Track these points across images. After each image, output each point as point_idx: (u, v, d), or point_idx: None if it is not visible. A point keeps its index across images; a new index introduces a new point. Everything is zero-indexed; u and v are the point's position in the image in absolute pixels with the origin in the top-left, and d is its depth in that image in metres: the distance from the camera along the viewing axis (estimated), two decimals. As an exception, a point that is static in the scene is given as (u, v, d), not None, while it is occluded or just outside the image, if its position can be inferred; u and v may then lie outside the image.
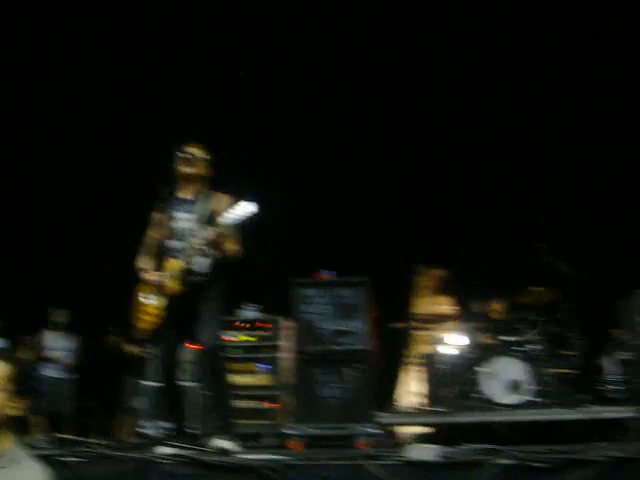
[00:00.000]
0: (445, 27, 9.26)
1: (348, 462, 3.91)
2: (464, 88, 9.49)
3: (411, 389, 7.47)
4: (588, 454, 3.78)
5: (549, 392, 6.61)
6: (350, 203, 9.85)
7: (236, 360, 7.03)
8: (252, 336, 7.29)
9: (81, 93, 9.86)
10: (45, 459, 2.72)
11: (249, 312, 7.60)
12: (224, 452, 4.25)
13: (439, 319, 7.99)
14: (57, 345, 9.18)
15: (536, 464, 3.76)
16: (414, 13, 9.22)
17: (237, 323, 7.33)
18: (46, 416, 8.72)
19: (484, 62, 9.33)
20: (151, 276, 4.72)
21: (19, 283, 10.11)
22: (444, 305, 8.23)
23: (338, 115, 9.77)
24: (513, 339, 7.01)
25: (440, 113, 9.60)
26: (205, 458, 3.99)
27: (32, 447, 3.75)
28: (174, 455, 4.09)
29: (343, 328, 6.67)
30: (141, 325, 4.81)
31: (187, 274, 4.61)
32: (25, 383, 2.61)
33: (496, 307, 7.73)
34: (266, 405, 7.01)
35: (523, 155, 9.31)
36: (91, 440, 7.02)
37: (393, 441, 6.76)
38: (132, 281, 4.93)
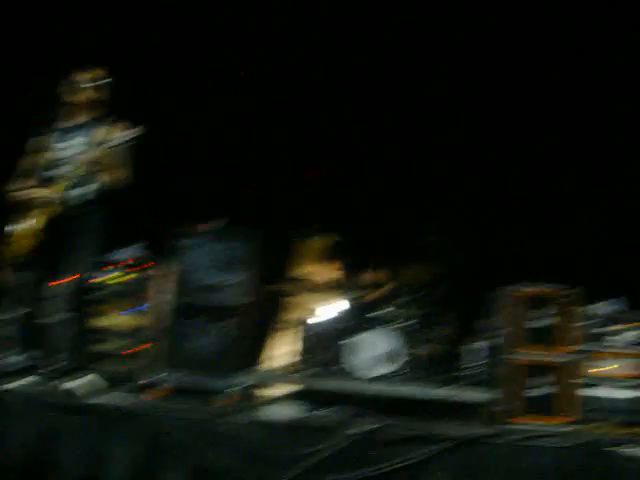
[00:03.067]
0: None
1: (206, 415, 3.86)
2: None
3: (282, 351, 7.48)
4: (439, 431, 3.87)
5: (415, 368, 6.76)
6: (251, 157, 9.62)
7: (105, 300, 6.79)
8: (126, 277, 7.03)
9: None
10: None
11: (127, 252, 7.34)
12: (73, 392, 4.11)
13: (320, 285, 8.01)
14: None
15: (389, 436, 3.81)
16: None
17: (113, 261, 7.06)
18: None
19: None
20: (24, 194, 4.47)
21: None
22: (327, 271, 8.25)
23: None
24: (388, 312, 7.11)
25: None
26: (53, 396, 3.86)
27: None
28: (20, 389, 3.93)
29: (222, 281, 6.58)
30: (8, 252, 4.58)
31: (64, 202, 4.39)
32: None
33: (377, 278, 7.81)
34: (131, 349, 6.82)
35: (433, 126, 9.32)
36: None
37: (254, 400, 6.76)
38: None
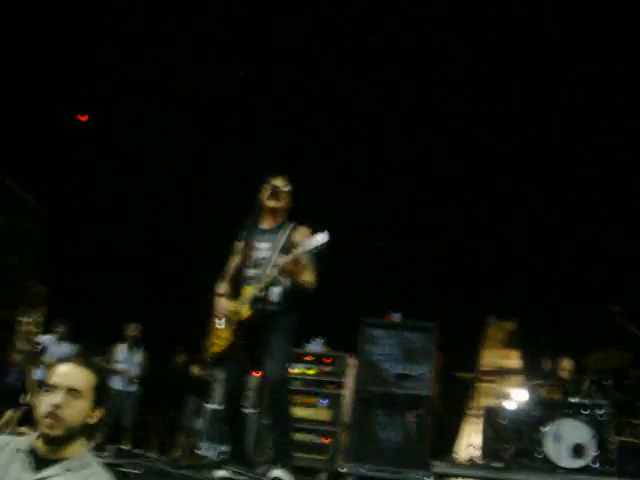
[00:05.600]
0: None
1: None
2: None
3: (471, 441, 7.39)
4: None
5: (612, 460, 6.45)
6: (425, 248, 9.83)
7: (298, 392, 7.08)
8: (317, 370, 7.31)
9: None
10: (107, 467, 2.82)
11: (316, 346, 7.65)
12: (281, 480, 4.29)
13: (505, 372, 7.90)
14: (126, 358, 9.42)
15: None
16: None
17: (304, 356, 7.37)
18: (111, 427, 8.95)
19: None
20: (220, 304, 4.85)
21: (104, 297, 10.50)
22: (512, 359, 8.15)
23: (415, 153, 9.77)
24: (580, 401, 6.87)
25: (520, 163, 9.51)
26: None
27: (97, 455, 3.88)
28: (228, 479, 4.16)
29: (407, 372, 6.69)
30: (212, 348, 4.92)
31: (260, 302, 4.71)
32: (104, 393, 2.72)
33: (565, 366, 7.61)
34: (324, 440, 7.02)
35: (603, 214, 9.13)
36: (150, 454, 7.22)
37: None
38: (209, 305, 5.05)
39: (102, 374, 2.70)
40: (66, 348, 8.85)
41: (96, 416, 2.63)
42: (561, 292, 9.07)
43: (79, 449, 2.61)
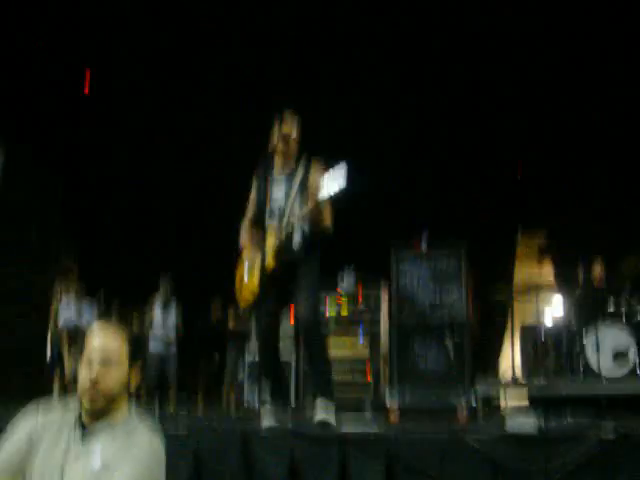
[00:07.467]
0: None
1: (447, 434, 3.91)
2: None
3: (512, 359, 7.38)
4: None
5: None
6: (447, 166, 9.67)
7: (335, 333, 7.12)
8: (351, 309, 7.32)
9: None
10: (155, 428, 2.84)
11: (348, 277, 7.58)
12: (324, 424, 4.31)
13: (540, 287, 7.83)
14: (160, 320, 9.43)
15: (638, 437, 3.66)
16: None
17: (337, 296, 7.39)
18: (153, 388, 9.06)
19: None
20: (242, 259, 4.82)
21: (130, 256, 10.53)
22: (544, 272, 8.07)
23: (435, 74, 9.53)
24: (617, 307, 6.81)
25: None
26: (306, 430, 4.07)
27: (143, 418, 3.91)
28: (276, 427, 4.18)
29: (441, 299, 6.67)
30: (242, 303, 4.92)
31: (283, 252, 4.66)
32: (137, 356, 2.73)
33: (598, 274, 7.52)
34: (365, 375, 7.08)
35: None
36: (196, 412, 7.33)
37: (492, 412, 6.72)
38: (237, 255, 5.02)
39: (130, 335, 2.70)
40: (86, 310, 8.96)
41: (134, 375, 2.67)
42: (587, 198, 8.92)
43: (123, 413, 2.64)
